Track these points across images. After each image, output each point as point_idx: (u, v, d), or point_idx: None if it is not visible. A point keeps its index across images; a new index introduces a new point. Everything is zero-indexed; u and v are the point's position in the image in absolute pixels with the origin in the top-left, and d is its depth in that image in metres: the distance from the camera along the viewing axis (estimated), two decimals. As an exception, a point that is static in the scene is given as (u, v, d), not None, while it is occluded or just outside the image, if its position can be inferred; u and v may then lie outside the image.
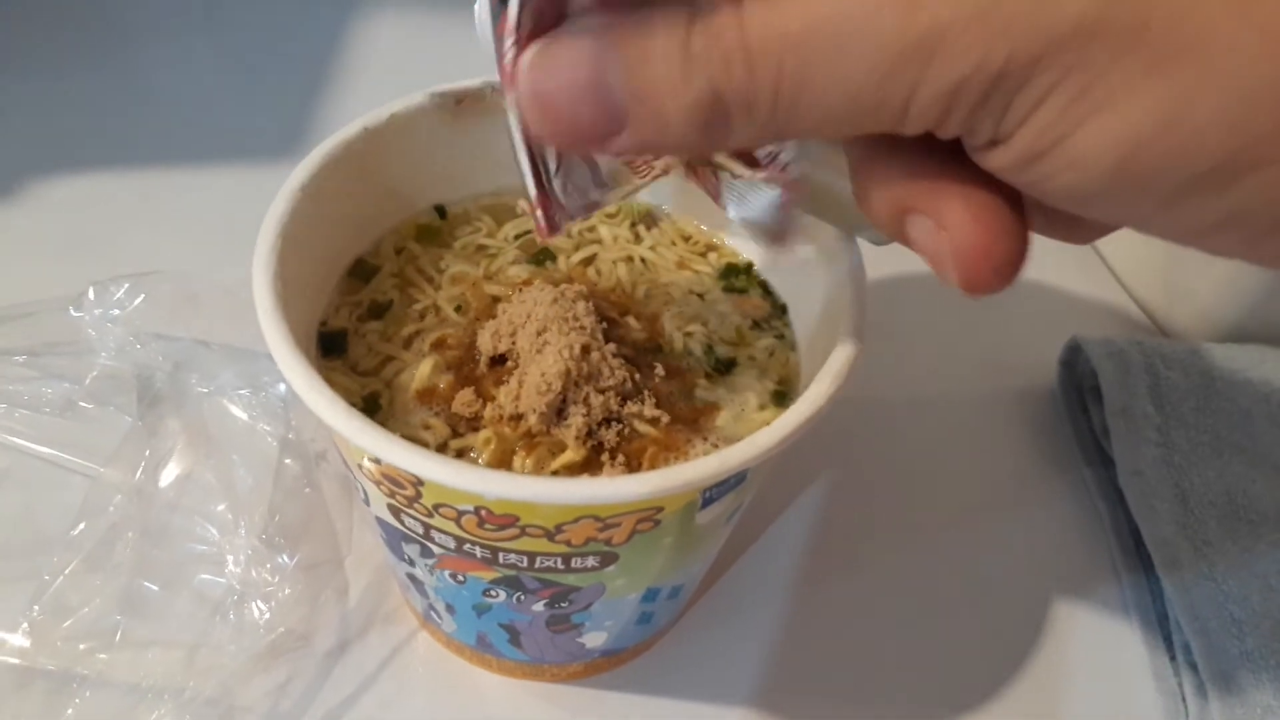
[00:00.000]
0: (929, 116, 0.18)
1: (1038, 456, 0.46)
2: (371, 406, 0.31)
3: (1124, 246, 0.54)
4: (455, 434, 0.30)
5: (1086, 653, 0.39)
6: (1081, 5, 0.16)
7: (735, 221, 0.29)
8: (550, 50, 0.19)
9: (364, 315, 0.33)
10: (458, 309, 0.33)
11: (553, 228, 0.25)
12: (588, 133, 0.20)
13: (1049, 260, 0.55)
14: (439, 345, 0.32)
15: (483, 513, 0.26)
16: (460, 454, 0.30)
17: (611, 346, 0.31)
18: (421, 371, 0.31)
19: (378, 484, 0.28)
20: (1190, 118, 0.16)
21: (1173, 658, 0.39)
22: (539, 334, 0.30)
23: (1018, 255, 0.20)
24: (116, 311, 0.43)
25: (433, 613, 0.35)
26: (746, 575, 0.41)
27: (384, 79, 0.61)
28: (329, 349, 0.32)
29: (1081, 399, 0.47)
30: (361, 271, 0.34)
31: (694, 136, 0.19)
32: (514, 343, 0.30)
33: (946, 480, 0.45)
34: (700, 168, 0.29)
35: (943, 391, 0.48)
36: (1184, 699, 0.38)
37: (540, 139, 0.22)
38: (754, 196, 0.28)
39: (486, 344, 0.31)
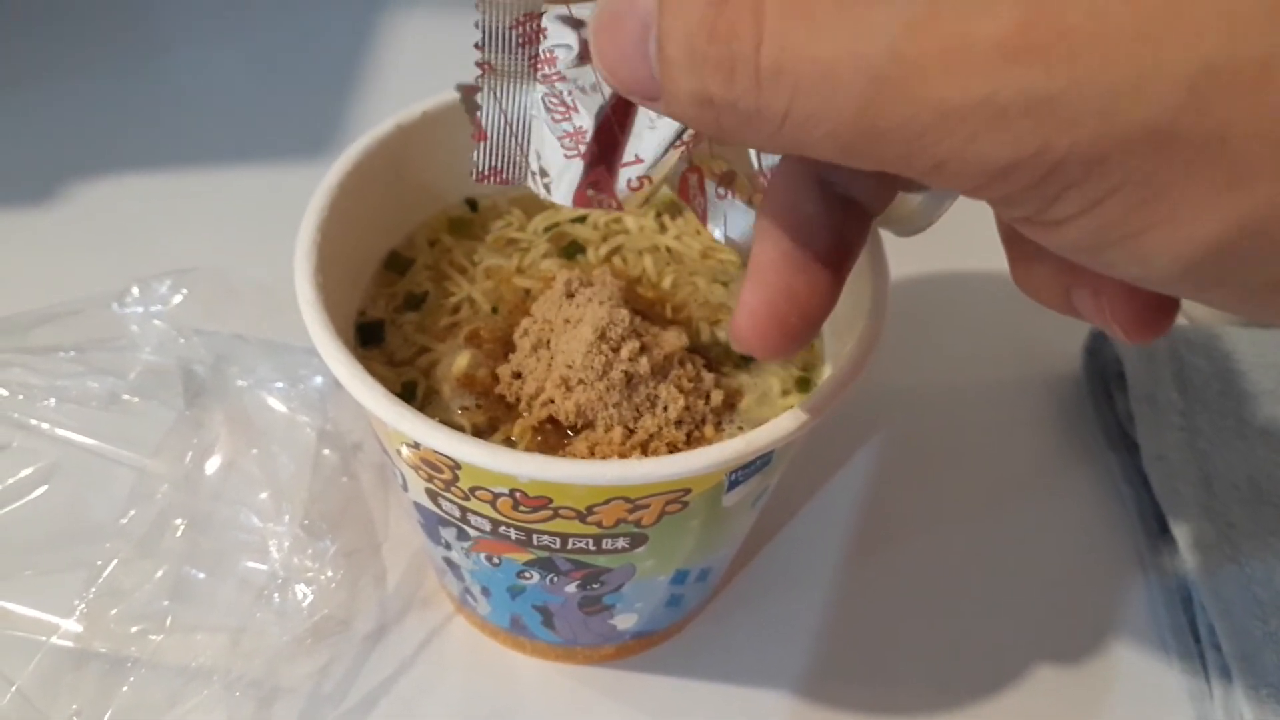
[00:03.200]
0: (961, 182, 0.17)
1: (1063, 442, 0.47)
2: (408, 396, 0.32)
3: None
4: (492, 426, 0.31)
5: (1111, 633, 0.40)
6: (1155, 111, 0.15)
7: (722, 241, 0.29)
8: (611, 7, 0.19)
9: (400, 306, 0.34)
10: (494, 310, 0.34)
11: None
12: (634, 92, 0.20)
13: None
14: (473, 338, 0.33)
15: (517, 495, 0.27)
16: (495, 442, 0.30)
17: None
18: (459, 365, 0.32)
19: (416, 469, 0.29)
20: (1267, 234, 0.16)
21: (1197, 639, 0.39)
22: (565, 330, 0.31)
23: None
24: (158, 307, 0.44)
25: (468, 596, 0.36)
26: (774, 561, 0.41)
27: (412, 77, 0.62)
28: (367, 339, 0.33)
29: (1106, 385, 0.47)
30: (396, 264, 0.35)
31: (701, 126, 0.19)
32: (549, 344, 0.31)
33: (973, 467, 0.45)
34: (689, 187, 0.29)
35: (969, 379, 0.48)
36: (1208, 679, 0.38)
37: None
38: (736, 217, 0.29)
39: (527, 347, 0.32)
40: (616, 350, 0.30)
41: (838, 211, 0.23)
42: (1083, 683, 0.39)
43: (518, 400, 0.31)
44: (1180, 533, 0.40)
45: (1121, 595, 0.41)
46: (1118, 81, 0.15)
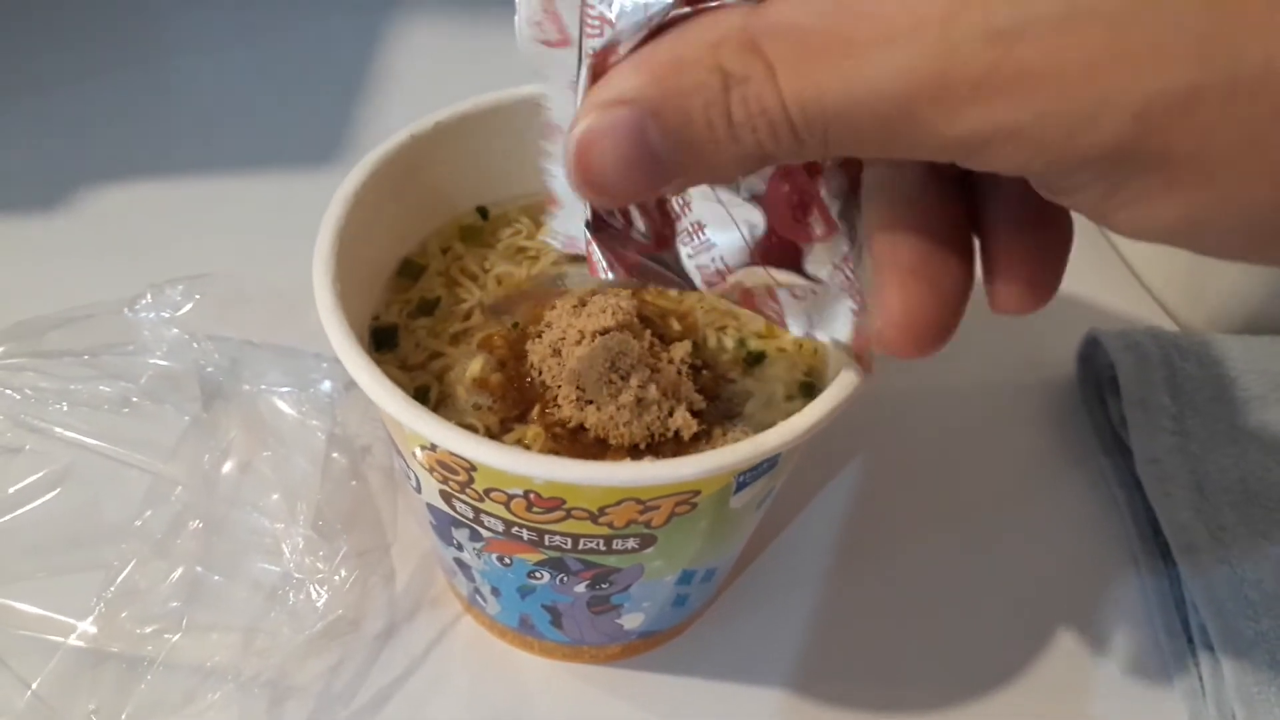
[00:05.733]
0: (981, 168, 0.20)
1: (1057, 447, 0.47)
2: (420, 400, 0.32)
3: (1141, 243, 0.55)
4: (504, 428, 0.32)
5: (1105, 634, 0.41)
6: (1109, 138, 0.18)
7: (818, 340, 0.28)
8: (591, 131, 0.21)
9: (413, 312, 0.35)
10: (515, 326, 0.35)
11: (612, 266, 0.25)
12: (644, 195, 0.22)
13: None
14: (486, 344, 0.34)
15: (531, 496, 0.28)
16: (508, 445, 0.31)
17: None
18: (472, 370, 0.33)
19: (431, 471, 0.30)
20: (1209, 225, 0.19)
21: (1189, 639, 0.40)
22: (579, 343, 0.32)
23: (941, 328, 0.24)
24: (168, 313, 0.45)
25: (478, 596, 0.36)
26: (776, 562, 0.42)
27: (419, 86, 0.63)
28: (380, 343, 0.34)
29: (1099, 391, 0.48)
30: (409, 271, 0.36)
31: (742, 175, 0.22)
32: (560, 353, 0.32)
33: (969, 470, 0.46)
34: (757, 293, 0.28)
35: (965, 384, 0.49)
36: (1200, 679, 0.39)
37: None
38: (826, 310, 0.27)
39: (538, 357, 0.33)
40: (626, 379, 0.31)
41: (955, 193, 0.24)
42: (1077, 683, 0.39)
43: (535, 400, 0.32)
44: (1173, 535, 0.41)
45: (1115, 597, 0.42)
46: (1075, 114, 0.18)
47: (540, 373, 0.32)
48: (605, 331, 0.32)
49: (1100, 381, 0.48)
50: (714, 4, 0.20)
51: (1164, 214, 0.19)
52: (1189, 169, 0.18)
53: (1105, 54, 0.18)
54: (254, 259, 0.48)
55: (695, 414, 0.32)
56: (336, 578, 0.37)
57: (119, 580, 0.36)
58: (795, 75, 0.19)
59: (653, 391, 0.30)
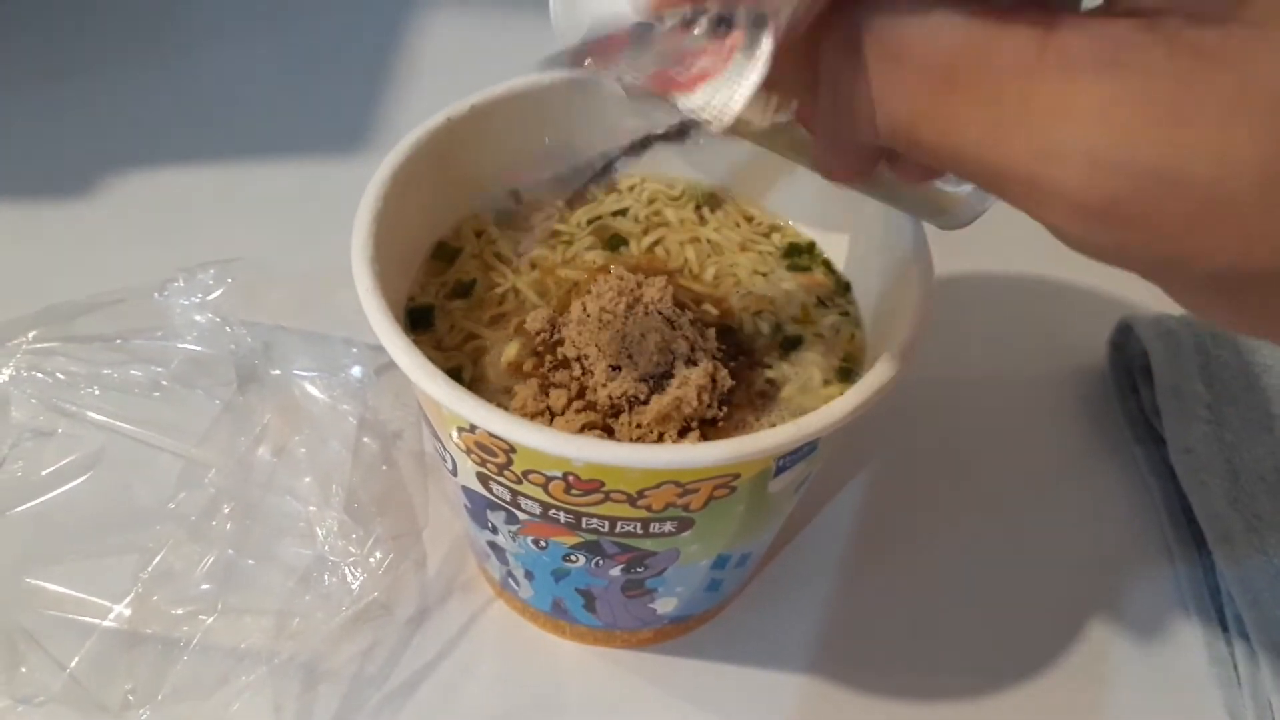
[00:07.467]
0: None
1: (1089, 435, 0.47)
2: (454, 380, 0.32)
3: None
4: (539, 411, 0.32)
5: (1139, 624, 0.41)
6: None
7: None
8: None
9: (449, 294, 0.35)
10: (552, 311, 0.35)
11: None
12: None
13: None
14: (522, 328, 0.34)
15: (570, 478, 0.28)
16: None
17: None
18: (508, 354, 0.33)
19: (468, 453, 0.30)
20: None
21: (1225, 628, 0.40)
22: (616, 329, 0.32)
23: None
24: (198, 298, 0.45)
25: (510, 580, 0.36)
26: (807, 549, 0.42)
27: (443, 73, 0.63)
28: (416, 324, 0.34)
29: (1132, 379, 0.48)
30: (444, 253, 0.36)
31: None
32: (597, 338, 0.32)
33: (1001, 458, 0.46)
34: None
35: (996, 372, 0.49)
36: (1236, 667, 0.39)
37: None
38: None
39: (572, 343, 0.33)
40: (663, 365, 0.31)
41: None
42: (1110, 672, 0.39)
43: (577, 394, 0.32)
44: (1207, 524, 0.41)
45: (1149, 586, 0.42)
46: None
47: (576, 358, 0.32)
48: (640, 310, 0.32)
49: (1133, 369, 0.48)
50: None
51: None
52: None
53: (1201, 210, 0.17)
54: (281, 245, 0.48)
55: (725, 403, 0.31)
56: (371, 560, 0.37)
57: (154, 563, 0.36)
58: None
59: (692, 378, 0.30)
